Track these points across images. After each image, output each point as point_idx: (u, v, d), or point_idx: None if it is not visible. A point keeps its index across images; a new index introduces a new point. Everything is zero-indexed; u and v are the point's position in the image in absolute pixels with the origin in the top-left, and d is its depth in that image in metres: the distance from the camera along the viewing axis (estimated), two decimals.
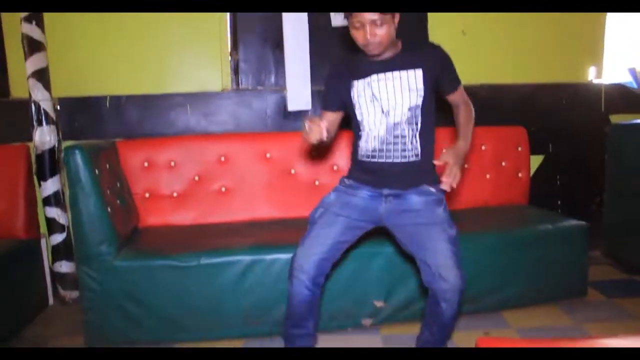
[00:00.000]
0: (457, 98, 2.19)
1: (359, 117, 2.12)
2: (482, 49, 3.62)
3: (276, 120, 3.44)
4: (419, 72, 2.05)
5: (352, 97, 2.11)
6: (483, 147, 3.41)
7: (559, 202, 3.81)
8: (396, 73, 2.05)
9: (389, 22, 1.95)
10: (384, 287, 2.69)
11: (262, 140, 3.24)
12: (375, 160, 2.10)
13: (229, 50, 3.39)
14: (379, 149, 2.09)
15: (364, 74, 2.08)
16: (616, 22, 3.84)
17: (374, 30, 1.93)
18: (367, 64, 2.08)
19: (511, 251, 2.81)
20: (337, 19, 3.38)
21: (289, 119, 3.45)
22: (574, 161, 3.81)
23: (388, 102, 2.05)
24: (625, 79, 3.95)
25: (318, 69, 3.36)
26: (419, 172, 2.11)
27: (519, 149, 3.46)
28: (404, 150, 2.07)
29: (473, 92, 3.53)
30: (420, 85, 2.05)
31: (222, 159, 3.16)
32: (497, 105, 3.65)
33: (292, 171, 3.22)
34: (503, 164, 3.43)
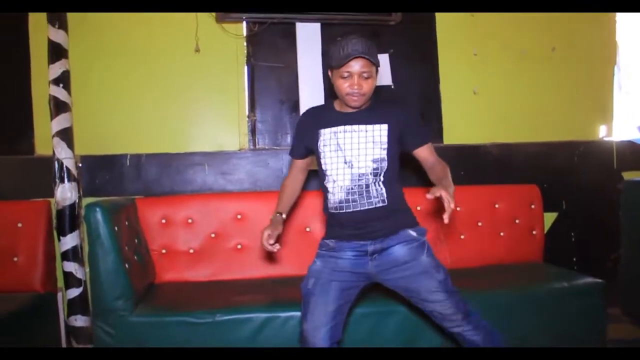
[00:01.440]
0: (427, 155, 2.21)
1: (323, 167, 2.17)
2: (493, 108, 3.71)
3: None
4: (384, 127, 2.13)
5: (319, 146, 2.17)
6: (496, 206, 3.43)
7: (575, 259, 3.80)
8: (362, 126, 2.12)
9: (374, 76, 2.07)
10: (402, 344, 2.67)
11: (277, 198, 3.26)
12: (344, 211, 2.13)
13: (247, 111, 3.51)
14: (345, 199, 2.13)
15: (331, 124, 2.16)
16: (625, 81, 3.92)
17: (361, 81, 2.04)
18: (335, 115, 2.18)
19: (526, 309, 2.78)
20: None
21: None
22: (588, 218, 3.82)
23: (351, 153, 2.11)
24: (635, 136, 3.99)
25: None
26: (391, 217, 2.14)
27: (532, 206, 3.48)
28: (369, 197, 2.12)
29: (485, 151, 3.64)
30: (385, 139, 2.13)
31: (239, 216, 3.21)
32: (509, 163, 3.70)
33: (307, 229, 3.26)
34: (517, 221, 3.45)
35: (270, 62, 3.49)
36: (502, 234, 3.42)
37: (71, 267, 3.19)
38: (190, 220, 3.19)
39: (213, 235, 3.20)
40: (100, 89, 3.39)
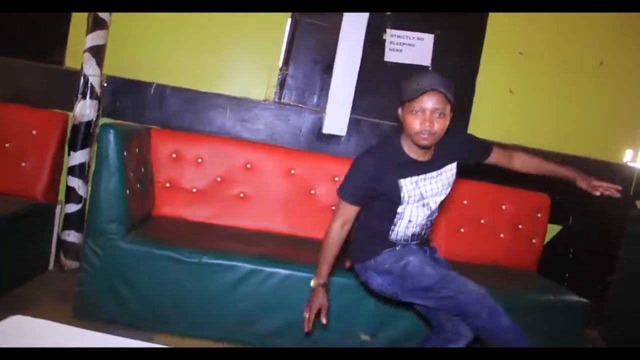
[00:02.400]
0: (501, 153, 2.30)
1: (400, 211, 2.10)
2: (525, 111, 3.64)
3: (309, 139, 3.49)
4: (454, 165, 2.16)
5: (402, 197, 2.06)
6: (503, 207, 3.40)
7: (567, 275, 3.78)
8: (438, 171, 2.11)
9: (448, 114, 1.97)
10: (375, 323, 2.70)
11: (291, 155, 3.28)
12: (415, 241, 2.20)
13: (280, 64, 3.47)
14: (418, 232, 2.19)
15: (409, 173, 2.06)
16: None
17: (434, 119, 1.93)
18: (410, 162, 2.07)
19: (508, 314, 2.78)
20: (391, 55, 3.45)
21: (321, 141, 3.49)
22: (590, 237, 3.78)
23: (431, 198, 2.12)
24: None
25: (361, 99, 3.44)
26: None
27: (539, 215, 3.44)
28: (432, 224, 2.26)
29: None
30: (454, 178, 2.18)
31: (248, 165, 3.20)
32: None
33: (312, 192, 3.25)
34: (520, 226, 3.41)
35: (314, 19, 3.44)
36: (502, 235, 3.39)
37: (75, 182, 3.22)
38: (200, 160, 3.19)
39: (219, 179, 3.20)
40: (141, 13, 3.34)
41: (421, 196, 2.08)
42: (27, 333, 1.26)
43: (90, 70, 3.17)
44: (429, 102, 1.91)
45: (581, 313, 2.93)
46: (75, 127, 3.20)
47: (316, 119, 3.49)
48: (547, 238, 3.59)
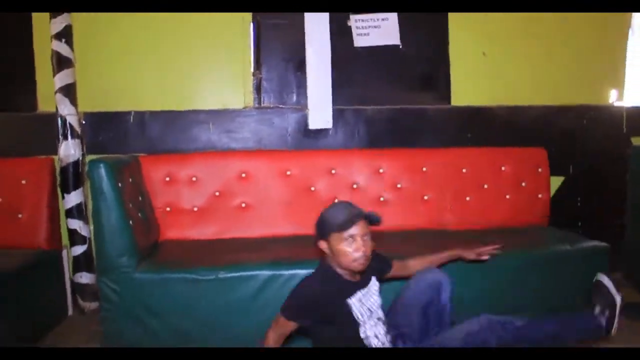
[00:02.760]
0: (398, 266, 2.38)
1: (362, 335, 2.09)
2: (502, 70, 3.64)
3: (297, 138, 3.48)
4: (374, 279, 2.21)
5: (356, 316, 2.08)
6: (503, 168, 3.40)
7: (580, 224, 3.78)
8: (368, 287, 2.15)
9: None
10: None
11: (283, 157, 3.27)
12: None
13: (252, 69, 3.45)
14: (387, 343, 2.16)
15: (351, 292, 2.09)
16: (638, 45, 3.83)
17: (366, 244, 2.01)
18: (349, 285, 2.10)
19: (530, 272, 2.77)
20: (360, 40, 3.44)
21: (309, 137, 3.49)
22: (594, 183, 3.79)
23: (377, 312, 2.15)
24: None
25: (340, 89, 3.45)
26: None
27: (539, 170, 3.45)
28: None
29: (493, 113, 3.60)
30: (377, 287, 2.21)
31: (243, 175, 3.19)
32: (516, 126, 3.65)
33: (312, 188, 3.24)
34: (523, 184, 3.42)
35: (276, 18, 3.42)
36: (507, 196, 3.39)
37: (75, 224, 3.19)
38: (194, 179, 3.17)
39: (217, 194, 3.18)
40: (103, 45, 3.33)
41: (370, 311, 2.12)
42: None
43: (66, 110, 3.14)
44: (359, 229, 1.99)
45: (603, 258, 2.91)
46: (64, 169, 3.17)
47: (300, 117, 3.47)
48: (552, 191, 3.60)
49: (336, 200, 2.14)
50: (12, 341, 2.55)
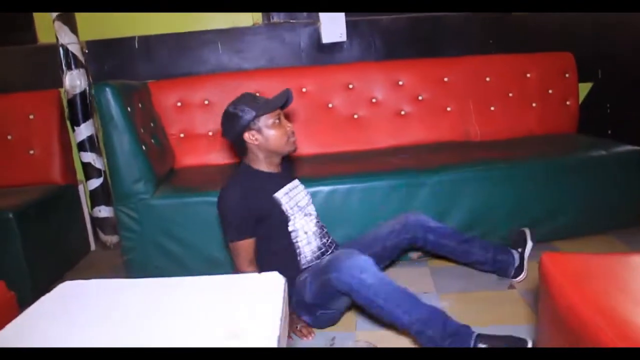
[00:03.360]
0: None
1: (292, 228, 2.02)
2: None
3: (311, 53, 3.31)
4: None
5: (286, 211, 2.00)
6: (528, 75, 3.23)
7: (609, 132, 3.62)
8: (293, 182, 2.12)
9: None
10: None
11: (297, 74, 3.12)
12: (320, 257, 2.08)
13: None
14: (321, 243, 2.09)
15: (277, 187, 2.04)
16: None
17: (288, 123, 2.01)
18: (272, 178, 2.05)
19: (562, 179, 2.64)
20: None
21: (324, 52, 3.32)
22: (624, 88, 3.57)
23: (307, 208, 2.11)
24: None
25: None
26: None
27: (567, 75, 3.27)
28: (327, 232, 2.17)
29: (516, 18, 3.37)
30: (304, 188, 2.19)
31: (258, 94, 3.04)
32: (541, 30, 3.43)
33: (330, 105, 3.11)
34: (550, 91, 3.25)
35: None
36: (534, 104, 3.24)
37: (89, 157, 3.11)
38: (206, 102, 3.05)
39: None
40: None
41: (298, 206, 2.05)
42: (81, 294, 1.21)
43: (67, 39, 3.00)
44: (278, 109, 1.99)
45: (638, 161, 2.77)
46: (71, 101, 3.05)
47: (312, 31, 3.30)
48: (580, 98, 3.41)
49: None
50: (39, 278, 2.50)
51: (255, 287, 1.20)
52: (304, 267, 2.04)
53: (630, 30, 3.50)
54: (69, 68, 3.01)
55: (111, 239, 3.19)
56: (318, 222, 2.13)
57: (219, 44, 3.26)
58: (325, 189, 2.45)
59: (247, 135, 1.96)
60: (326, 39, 3.25)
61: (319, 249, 2.08)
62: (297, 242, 2.03)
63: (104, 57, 3.23)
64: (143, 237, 2.48)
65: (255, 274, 1.27)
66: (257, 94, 2.04)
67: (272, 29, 3.28)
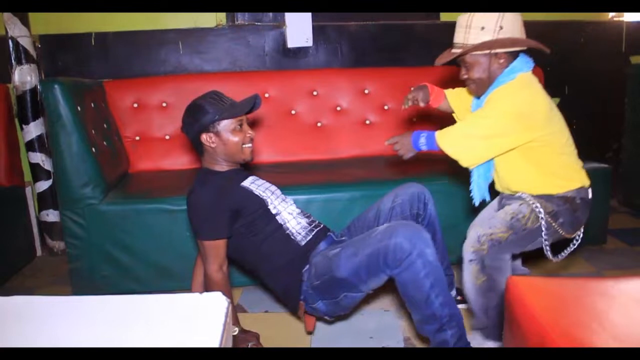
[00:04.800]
0: None
1: (273, 211, 1.92)
2: None
3: (275, 58, 3.22)
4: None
5: (260, 196, 1.92)
6: None
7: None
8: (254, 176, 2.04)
9: None
10: None
11: (261, 79, 3.02)
12: (316, 230, 1.98)
13: None
14: (308, 220, 2.00)
15: (242, 178, 1.97)
16: None
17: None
18: (234, 174, 1.96)
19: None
20: None
21: (289, 57, 3.23)
22: (591, 104, 3.60)
23: (277, 191, 2.03)
24: None
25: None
26: None
27: None
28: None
29: None
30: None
31: (224, 95, 2.93)
32: None
33: (293, 112, 3.02)
34: None
35: None
36: None
37: (37, 157, 2.96)
38: (164, 104, 2.92)
39: None
40: None
41: (270, 191, 1.98)
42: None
43: (17, 31, 2.84)
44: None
45: (605, 180, 2.77)
46: (20, 98, 2.90)
47: (277, 35, 3.20)
48: None
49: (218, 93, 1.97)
50: None
51: (195, 309, 1.09)
52: (303, 245, 1.91)
53: (598, 45, 3.52)
54: (19, 63, 2.85)
55: (58, 244, 3.03)
56: (293, 202, 2.05)
57: (180, 44, 3.14)
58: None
59: (204, 137, 1.88)
60: (292, 43, 3.17)
61: (310, 224, 1.97)
62: (285, 224, 1.92)
63: (58, 53, 3.07)
64: (90, 244, 2.34)
65: (197, 294, 1.16)
66: (223, 95, 1.95)
67: (236, 30, 3.17)
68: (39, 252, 3.06)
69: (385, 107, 3.07)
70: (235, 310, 2.03)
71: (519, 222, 1.76)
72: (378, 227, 1.81)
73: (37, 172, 2.98)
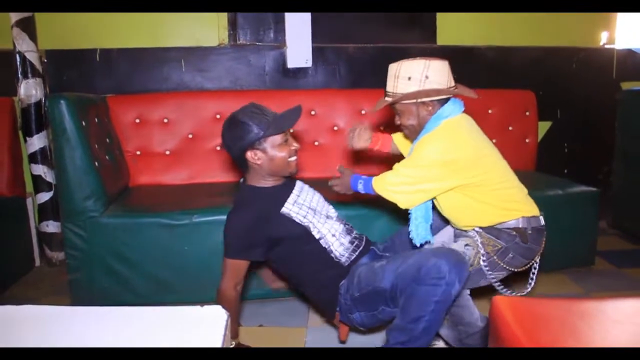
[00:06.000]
0: None
1: (317, 235, 1.93)
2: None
3: (275, 77, 3.29)
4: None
5: (301, 222, 1.92)
6: (490, 111, 3.27)
7: (566, 171, 3.69)
8: (300, 185, 2.06)
9: None
10: None
11: (260, 97, 3.01)
12: (358, 249, 2.01)
13: None
14: (351, 238, 2.02)
15: (283, 198, 1.95)
16: None
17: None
18: (277, 191, 1.96)
19: None
20: None
21: (288, 77, 3.31)
22: (582, 128, 3.69)
23: (325, 209, 2.03)
24: (636, 45, 3.79)
25: (320, 26, 3.25)
26: None
27: (527, 113, 3.32)
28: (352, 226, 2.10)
29: (480, 53, 3.43)
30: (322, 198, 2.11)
31: (218, 116, 3.01)
32: (505, 67, 3.50)
33: (291, 130, 3.05)
34: (510, 128, 3.30)
35: None
36: (494, 140, 3.16)
37: (40, 169, 3.01)
38: (166, 120, 2.99)
39: (190, 136, 3.02)
40: None
41: (312, 210, 1.97)
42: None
43: (24, 46, 2.90)
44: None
45: (593, 203, 2.84)
46: (25, 111, 2.96)
47: (278, 55, 3.28)
48: (540, 136, 3.47)
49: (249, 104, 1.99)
50: None
51: (194, 322, 1.15)
52: (345, 263, 1.95)
53: (590, 71, 3.61)
54: (25, 77, 2.92)
55: (57, 255, 3.07)
56: (341, 220, 2.05)
57: (183, 62, 3.21)
58: None
59: (249, 154, 1.87)
60: (292, 63, 3.24)
61: (352, 242, 2.00)
62: (329, 247, 1.94)
63: (63, 68, 3.14)
64: (90, 256, 2.39)
65: (197, 307, 1.21)
66: (260, 105, 1.97)
67: (237, 50, 3.25)
68: (37, 263, 3.09)
69: (381, 128, 3.14)
70: (237, 324, 2.06)
71: (467, 262, 1.79)
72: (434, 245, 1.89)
73: (39, 184, 3.03)
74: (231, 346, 1.88)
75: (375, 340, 2.15)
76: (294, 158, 1.91)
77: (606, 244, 3.28)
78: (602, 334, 1.21)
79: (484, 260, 1.82)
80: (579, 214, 2.80)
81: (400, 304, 1.74)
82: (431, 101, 1.82)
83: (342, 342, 2.09)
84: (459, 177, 1.77)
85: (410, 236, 1.89)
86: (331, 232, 1.97)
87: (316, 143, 3.10)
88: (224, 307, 1.72)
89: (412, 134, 1.90)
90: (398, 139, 2.19)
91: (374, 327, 1.99)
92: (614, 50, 3.65)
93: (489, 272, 1.84)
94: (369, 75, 3.37)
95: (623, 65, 3.67)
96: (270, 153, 1.87)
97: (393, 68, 1.84)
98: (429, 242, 1.90)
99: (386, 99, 1.88)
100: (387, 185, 1.83)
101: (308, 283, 1.99)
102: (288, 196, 1.95)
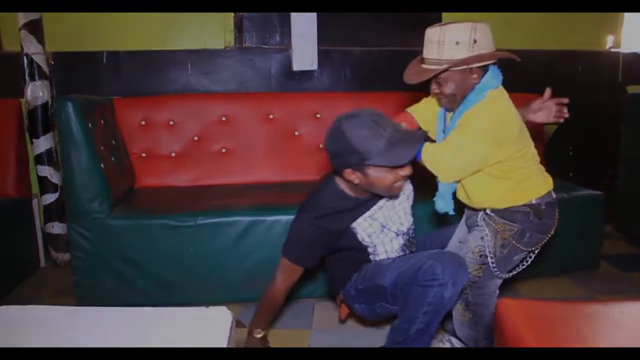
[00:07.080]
0: None
1: (371, 257, 1.93)
2: (496, 14, 3.45)
3: (281, 80, 3.30)
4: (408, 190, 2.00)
5: (362, 240, 1.87)
6: None
7: (571, 174, 3.68)
8: (392, 200, 1.91)
9: None
10: None
11: (266, 100, 3.10)
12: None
13: None
14: (395, 252, 1.97)
15: (361, 212, 1.85)
16: None
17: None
18: (359, 205, 1.85)
19: None
20: None
21: (294, 79, 3.32)
22: (588, 132, 3.68)
23: (396, 226, 1.92)
24: None
25: (326, 28, 3.25)
26: None
27: None
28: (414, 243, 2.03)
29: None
30: (411, 202, 2.01)
31: (224, 119, 3.03)
32: (510, 71, 3.47)
33: (296, 133, 3.09)
34: None
35: None
36: None
37: (46, 171, 3.02)
38: (172, 123, 3.00)
39: (196, 139, 3.03)
40: None
41: (382, 227, 1.88)
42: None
43: (32, 48, 2.91)
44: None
45: (598, 206, 2.83)
46: (31, 113, 2.96)
47: (284, 58, 3.29)
48: (545, 139, 3.47)
49: (357, 111, 1.79)
50: None
51: (200, 323, 1.16)
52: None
53: (595, 74, 3.61)
54: (32, 79, 2.93)
55: (62, 256, 3.08)
56: (408, 233, 1.97)
57: (189, 64, 3.22)
58: (284, 218, 2.40)
59: (347, 172, 1.72)
60: (297, 66, 3.25)
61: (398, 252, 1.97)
62: (373, 256, 1.94)
63: (70, 70, 3.16)
64: (95, 257, 2.41)
65: (203, 308, 1.22)
66: (384, 120, 1.73)
67: (243, 52, 3.26)
68: (43, 264, 3.11)
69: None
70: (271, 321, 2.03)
71: (489, 255, 1.81)
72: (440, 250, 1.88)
73: (45, 185, 3.04)
74: (258, 337, 1.89)
75: (376, 341, 2.15)
76: (400, 183, 1.74)
77: (611, 247, 3.27)
78: (607, 336, 1.21)
79: (504, 247, 1.81)
80: (584, 218, 2.79)
81: (400, 303, 1.77)
82: (478, 68, 1.71)
83: (342, 321, 2.13)
84: (505, 150, 1.70)
85: (435, 206, 1.82)
86: (387, 252, 1.93)
87: (321, 146, 3.10)
88: (267, 304, 1.85)
89: (451, 104, 1.78)
90: (419, 115, 2.06)
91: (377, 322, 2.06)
92: (620, 53, 3.64)
93: (515, 258, 1.83)
94: (374, 78, 3.37)
95: (629, 69, 3.66)
96: (372, 176, 1.70)
97: (435, 33, 1.68)
98: (449, 213, 1.82)
99: (427, 66, 1.72)
100: (435, 156, 1.71)
101: (334, 262, 2.02)
102: (367, 210, 1.86)
